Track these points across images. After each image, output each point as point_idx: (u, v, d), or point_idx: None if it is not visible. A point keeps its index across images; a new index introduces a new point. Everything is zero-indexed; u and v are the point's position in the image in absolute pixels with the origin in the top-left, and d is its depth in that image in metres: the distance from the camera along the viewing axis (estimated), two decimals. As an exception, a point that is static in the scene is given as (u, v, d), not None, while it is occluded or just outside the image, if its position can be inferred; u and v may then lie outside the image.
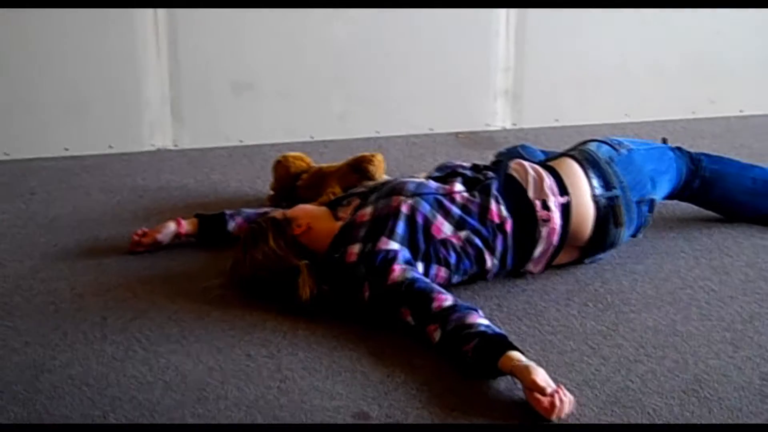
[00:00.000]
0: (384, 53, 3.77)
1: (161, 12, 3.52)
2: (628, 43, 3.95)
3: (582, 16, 3.84)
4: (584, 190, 2.50)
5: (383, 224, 2.32)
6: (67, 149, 3.61)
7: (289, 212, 2.51)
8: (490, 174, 2.51)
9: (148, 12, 3.51)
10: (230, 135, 3.73)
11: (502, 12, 3.79)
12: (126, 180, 3.37)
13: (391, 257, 2.27)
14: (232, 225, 2.74)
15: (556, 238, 2.45)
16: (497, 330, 2.08)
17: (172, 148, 3.69)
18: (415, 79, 3.83)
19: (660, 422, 1.92)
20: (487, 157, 3.38)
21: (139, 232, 2.73)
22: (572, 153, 2.62)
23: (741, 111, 4.09)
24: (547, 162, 2.63)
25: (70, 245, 2.80)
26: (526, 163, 2.56)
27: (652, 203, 2.59)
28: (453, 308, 2.13)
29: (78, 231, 2.90)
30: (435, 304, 2.15)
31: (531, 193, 2.45)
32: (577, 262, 2.59)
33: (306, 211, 2.53)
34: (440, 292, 2.18)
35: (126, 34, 3.52)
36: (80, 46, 3.52)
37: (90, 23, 3.49)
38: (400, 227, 2.32)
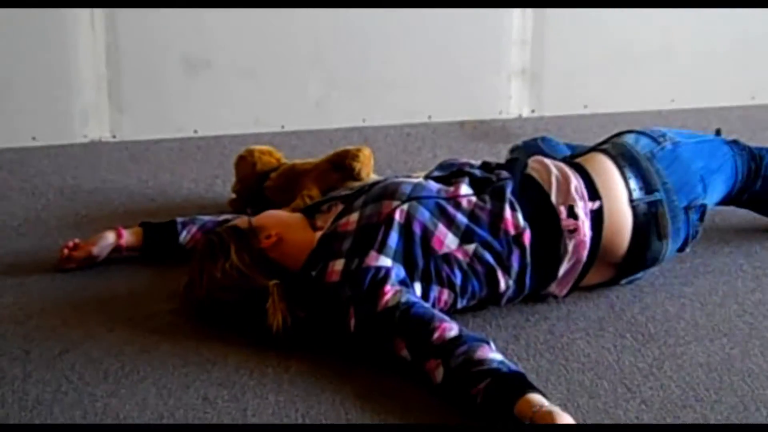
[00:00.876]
0: (371, 25, 3.77)
1: (96, -29, 3.53)
2: (673, 14, 3.96)
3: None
4: (619, 193, 2.51)
5: (372, 235, 2.33)
6: (-21, 141, 3.61)
7: (256, 220, 2.51)
8: (504, 174, 2.52)
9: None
10: (182, 124, 3.73)
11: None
12: (53, 179, 3.36)
13: (381, 276, 2.27)
14: (184, 236, 2.74)
15: (585, 253, 2.46)
16: (513, 367, 2.08)
17: (110, 139, 3.69)
18: (409, 56, 3.83)
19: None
20: (499, 153, 3.40)
21: (70, 244, 2.72)
22: (605, 147, 2.62)
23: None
24: (574, 159, 2.64)
25: (-17, 261, 2.79)
26: (547, 161, 2.57)
27: (702, 210, 2.59)
28: (458, 340, 2.13)
29: (-7, 243, 2.90)
30: (436, 335, 2.15)
31: (554, 198, 2.46)
32: (612, 282, 2.60)
33: (276, 218, 2.53)
34: (443, 320, 2.18)
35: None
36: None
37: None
38: (393, 239, 2.33)
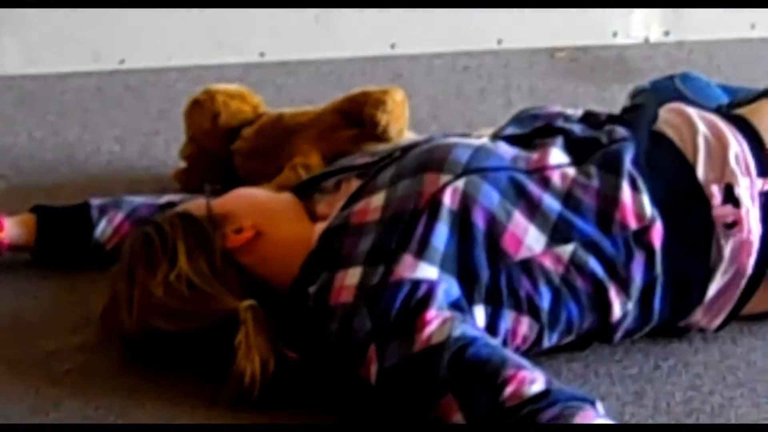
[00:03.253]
0: None
1: None
2: None
3: None
4: (806, 165, 2.52)
5: (407, 230, 2.34)
6: None
7: (220, 204, 2.53)
8: (620, 132, 2.53)
9: None
10: (101, 49, 3.76)
11: None
12: None
13: (422, 296, 2.28)
14: (104, 228, 2.78)
15: (750, 261, 2.47)
16: (633, 442, 2.10)
17: (-15, 73, 3.73)
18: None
19: None
20: (613, 98, 3.42)
21: None
22: (785, 93, 2.64)
23: None
24: (734, 109, 2.65)
25: None
26: (691, 111, 2.58)
27: None
28: (545, 398, 2.13)
29: None
30: (509, 390, 2.15)
31: (702, 172, 2.47)
32: (793, 309, 2.62)
33: (253, 201, 2.57)
34: (519, 367, 2.19)
35: None
36: None
37: None
38: (441, 236, 2.34)
